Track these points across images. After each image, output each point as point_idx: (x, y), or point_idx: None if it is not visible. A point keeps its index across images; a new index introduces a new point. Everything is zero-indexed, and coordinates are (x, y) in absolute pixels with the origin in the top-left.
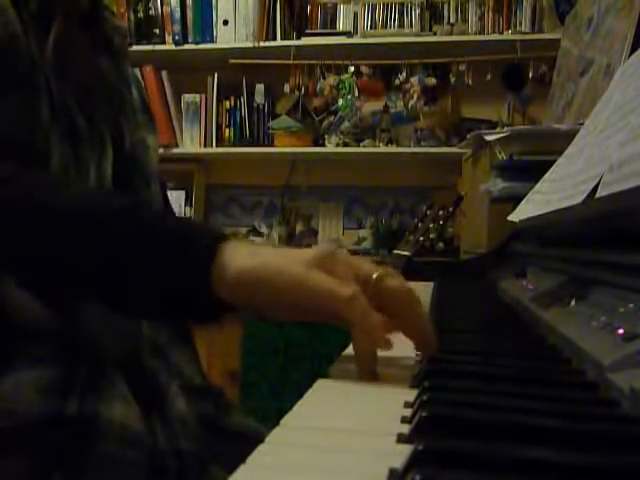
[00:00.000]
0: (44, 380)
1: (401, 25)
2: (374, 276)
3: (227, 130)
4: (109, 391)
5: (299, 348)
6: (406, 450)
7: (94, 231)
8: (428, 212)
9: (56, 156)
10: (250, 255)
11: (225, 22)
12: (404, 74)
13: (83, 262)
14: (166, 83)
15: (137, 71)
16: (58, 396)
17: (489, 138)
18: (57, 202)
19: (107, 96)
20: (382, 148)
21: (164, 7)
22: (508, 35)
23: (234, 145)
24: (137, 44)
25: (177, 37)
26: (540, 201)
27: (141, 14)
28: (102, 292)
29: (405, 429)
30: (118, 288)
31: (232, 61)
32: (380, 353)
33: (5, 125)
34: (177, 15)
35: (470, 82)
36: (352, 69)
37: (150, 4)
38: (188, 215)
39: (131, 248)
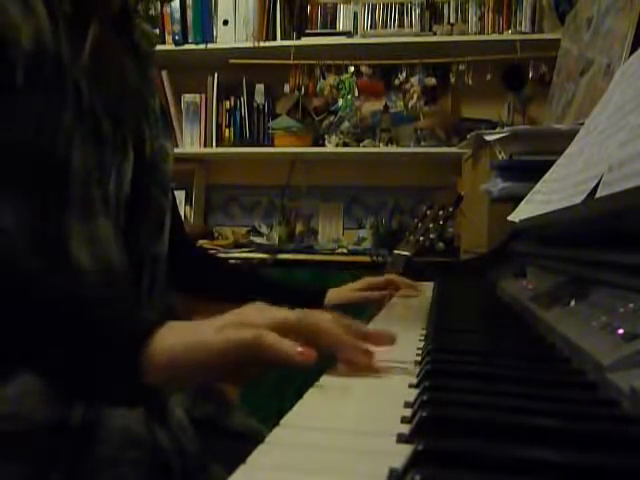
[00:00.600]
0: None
1: (401, 25)
2: (291, 317)
3: (227, 130)
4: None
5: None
6: (406, 450)
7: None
8: (428, 212)
9: (78, 159)
10: (174, 339)
11: (225, 22)
12: (404, 74)
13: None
14: (166, 83)
15: None
16: (63, 404)
17: (489, 138)
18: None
19: (132, 101)
20: (382, 148)
21: (164, 7)
22: (508, 35)
23: (234, 145)
24: None
25: (177, 37)
26: (540, 201)
27: (141, 14)
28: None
29: (405, 429)
30: (48, 369)
31: (232, 61)
32: (380, 354)
33: (28, 129)
34: (177, 15)
35: (470, 82)
36: (352, 69)
37: (150, 4)
38: (188, 215)
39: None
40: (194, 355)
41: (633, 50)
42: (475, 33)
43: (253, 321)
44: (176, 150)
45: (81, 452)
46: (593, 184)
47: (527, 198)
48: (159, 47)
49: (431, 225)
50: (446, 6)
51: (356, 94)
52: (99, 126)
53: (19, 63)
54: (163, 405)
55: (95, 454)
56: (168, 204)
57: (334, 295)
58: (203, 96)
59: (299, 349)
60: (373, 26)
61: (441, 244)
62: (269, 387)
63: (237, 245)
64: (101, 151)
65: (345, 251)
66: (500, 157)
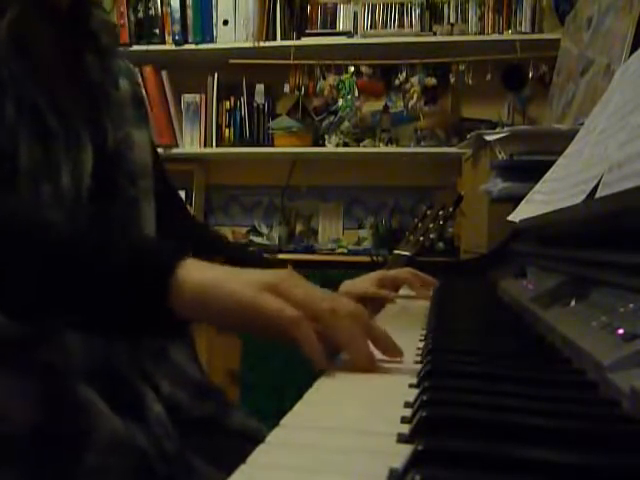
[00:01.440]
0: (25, 391)
1: (401, 25)
2: (324, 306)
3: (227, 130)
4: (92, 402)
5: (299, 348)
6: (406, 450)
7: (56, 257)
8: (428, 212)
9: (24, 156)
10: (206, 274)
11: (225, 22)
12: (404, 74)
13: (47, 285)
14: (166, 83)
15: (137, 71)
16: (42, 409)
17: (489, 138)
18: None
19: (88, 93)
20: (382, 148)
21: (164, 7)
22: (508, 35)
23: (234, 145)
24: (137, 44)
25: (177, 37)
26: (540, 201)
27: (141, 14)
28: (65, 313)
29: (405, 429)
30: (80, 308)
31: (232, 61)
32: (379, 354)
33: None
34: (177, 15)
35: (470, 82)
36: (352, 69)
37: (150, 4)
38: None
39: (93, 269)
40: (221, 299)
41: (633, 50)
42: (475, 33)
43: (289, 295)
44: (176, 150)
45: (70, 457)
46: (593, 184)
47: (527, 198)
48: (159, 47)
49: (431, 225)
50: (446, 6)
51: (356, 94)
52: (43, 122)
53: None
54: (141, 403)
55: (83, 460)
56: (141, 193)
57: (348, 286)
58: (203, 96)
59: (323, 360)
60: (373, 26)
61: (441, 244)
62: (269, 387)
63: None
64: (49, 146)
65: (345, 251)
66: (500, 157)
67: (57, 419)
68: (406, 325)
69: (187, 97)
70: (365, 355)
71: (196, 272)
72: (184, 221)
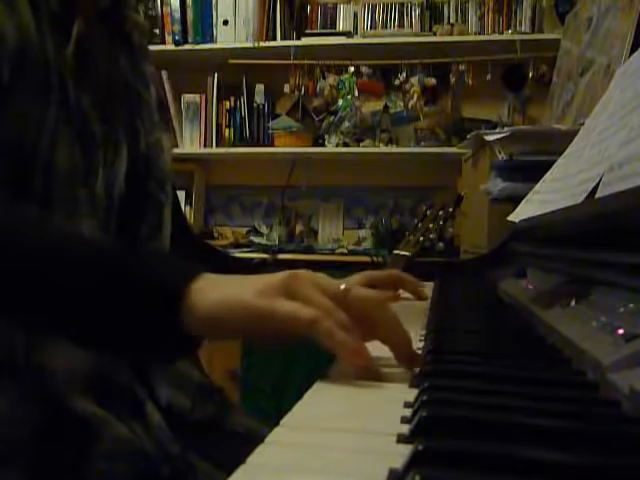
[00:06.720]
0: (21, 406)
1: (401, 25)
2: (341, 288)
3: (227, 130)
4: (90, 413)
5: (299, 348)
6: (406, 450)
7: (60, 274)
8: (428, 212)
9: (63, 160)
10: (218, 293)
11: (225, 22)
12: (404, 74)
13: (46, 303)
14: (166, 83)
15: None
16: (39, 423)
17: (489, 138)
18: (27, 242)
19: (124, 96)
20: (382, 148)
21: (164, 7)
22: (508, 35)
23: (234, 145)
24: None
25: (177, 37)
26: (540, 201)
27: (141, 14)
28: (67, 332)
29: (405, 429)
30: (86, 331)
31: (232, 61)
32: (380, 353)
33: (11, 128)
34: (177, 15)
35: (470, 82)
36: (352, 69)
37: (150, 4)
38: (188, 215)
39: (100, 295)
40: (235, 314)
41: (633, 50)
42: (475, 33)
43: (302, 294)
44: (176, 150)
45: (74, 466)
46: (593, 184)
47: (527, 198)
48: (159, 47)
49: (431, 225)
50: (446, 6)
51: (356, 94)
52: (89, 127)
53: (4, 61)
54: (140, 406)
55: (88, 468)
56: (166, 199)
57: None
58: (203, 96)
59: (351, 347)
60: (373, 26)
61: (441, 244)
62: (269, 387)
63: (237, 245)
64: (90, 151)
65: (345, 251)
66: (500, 157)
67: (56, 433)
68: (406, 325)
69: (187, 97)
70: (406, 337)
71: (207, 293)
72: (185, 235)
